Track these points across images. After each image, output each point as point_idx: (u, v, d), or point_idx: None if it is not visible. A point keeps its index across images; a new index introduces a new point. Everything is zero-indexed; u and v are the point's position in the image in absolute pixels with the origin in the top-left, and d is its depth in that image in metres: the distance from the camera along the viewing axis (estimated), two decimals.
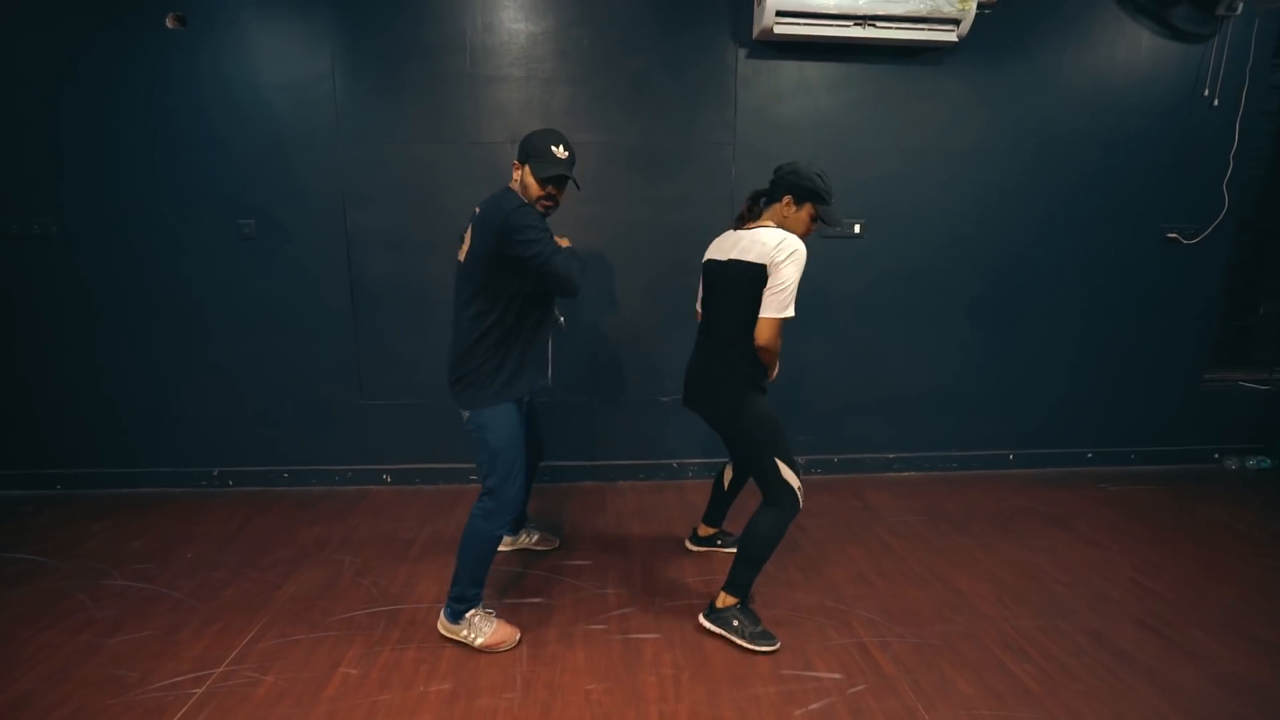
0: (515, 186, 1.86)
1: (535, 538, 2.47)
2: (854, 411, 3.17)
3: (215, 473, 3.03)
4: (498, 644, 1.87)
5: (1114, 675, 1.79)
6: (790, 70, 2.85)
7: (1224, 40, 2.92)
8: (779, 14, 2.62)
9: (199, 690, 1.71)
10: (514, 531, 2.45)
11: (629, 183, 2.88)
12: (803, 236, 1.83)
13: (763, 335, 1.77)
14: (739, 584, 1.93)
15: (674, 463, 3.14)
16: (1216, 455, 3.43)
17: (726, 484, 2.34)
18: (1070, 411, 3.30)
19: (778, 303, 1.74)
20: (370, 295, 2.90)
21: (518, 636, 1.90)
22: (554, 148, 1.82)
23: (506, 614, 2.02)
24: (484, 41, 2.74)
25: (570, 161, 1.85)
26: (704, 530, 2.45)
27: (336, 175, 2.80)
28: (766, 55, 2.82)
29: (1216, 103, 2.98)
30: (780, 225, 1.87)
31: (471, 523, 1.84)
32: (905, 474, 3.26)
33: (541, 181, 1.81)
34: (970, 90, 2.91)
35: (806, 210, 1.87)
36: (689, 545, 2.47)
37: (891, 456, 3.26)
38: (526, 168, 1.82)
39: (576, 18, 2.75)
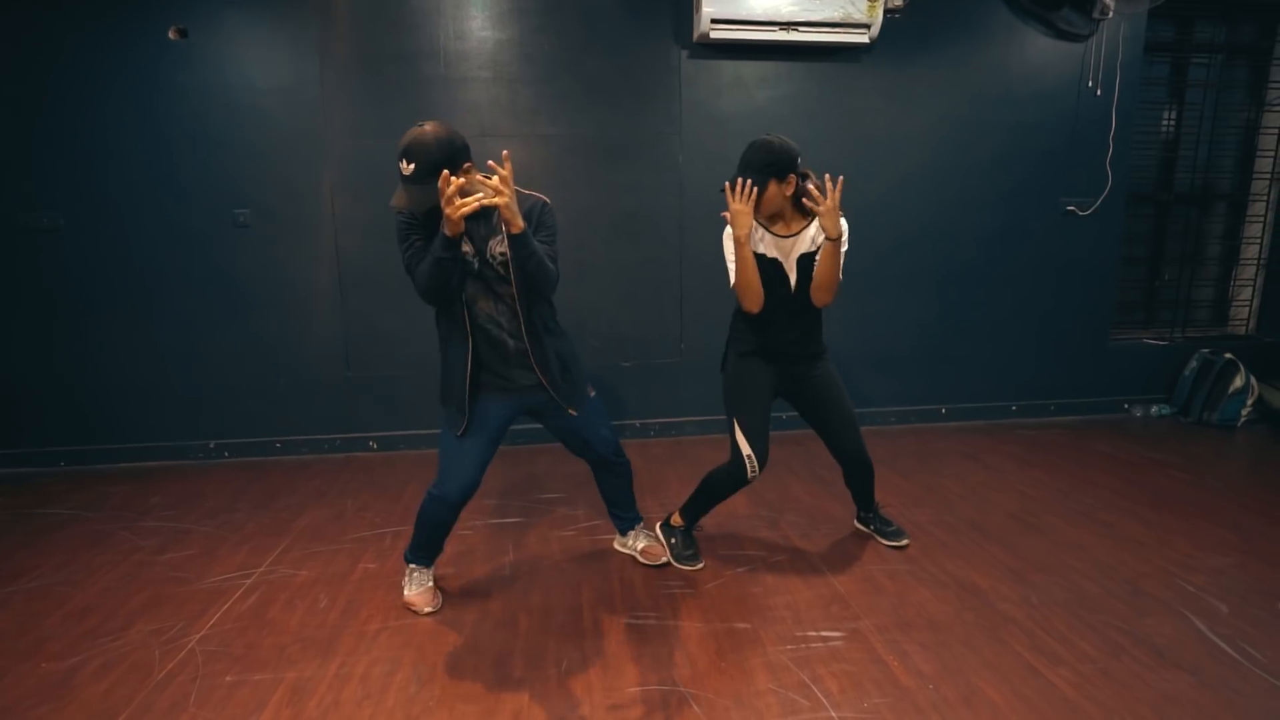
0: None
1: (641, 545, 2.49)
2: None
3: (212, 445, 3.66)
4: (411, 603, 2.18)
5: (976, 545, 2.54)
6: (727, 69, 3.61)
7: (1101, 39, 3.77)
8: (713, 21, 3.38)
9: (249, 581, 2.37)
10: (622, 532, 2.54)
11: (587, 171, 3.61)
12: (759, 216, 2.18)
13: None
14: (688, 511, 2.46)
15: (637, 422, 3.86)
16: (1125, 405, 4.25)
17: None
18: (994, 369, 4.10)
19: None
20: (356, 276, 3.57)
21: (430, 608, 2.16)
22: (400, 163, 1.82)
23: (489, 533, 2.70)
24: (456, 48, 3.45)
25: (420, 172, 1.79)
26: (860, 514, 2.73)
27: (324, 168, 3.48)
28: (706, 56, 3.58)
29: (1099, 93, 3.82)
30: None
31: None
32: None
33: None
34: (885, 84, 3.70)
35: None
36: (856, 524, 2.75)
37: None
38: None
39: (538, 26, 3.48)
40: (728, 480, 2.33)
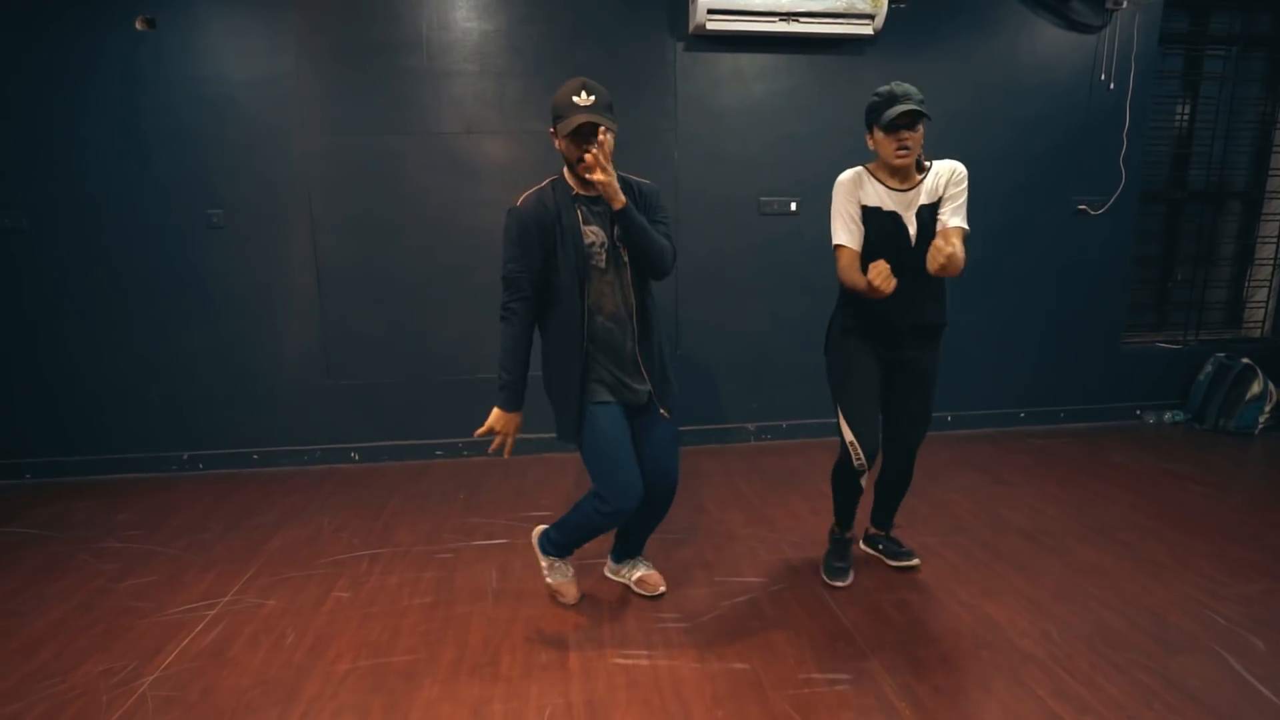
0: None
1: (637, 575, 2.30)
2: (798, 380, 3.76)
3: (185, 456, 3.49)
4: (559, 591, 2.21)
5: (989, 569, 2.38)
6: (725, 61, 3.44)
7: (1115, 30, 3.59)
8: (710, 11, 3.20)
9: (212, 612, 2.20)
10: (618, 559, 2.35)
11: None
12: (892, 161, 2.05)
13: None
14: (838, 517, 2.33)
15: None
16: (1138, 412, 4.10)
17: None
18: (1001, 374, 3.94)
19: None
20: (336, 279, 3.40)
21: (575, 599, 2.20)
22: (574, 97, 1.82)
23: (471, 557, 2.54)
24: (439, 39, 3.27)
25: (599, 105, 1.82)
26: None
27: (302, 166, 3.30)
28: (702, 48, 3.40)
29: (1112, 86, 3.65)
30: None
31: (585, 499, 2.06)
32: None
33: (566, 142, 1.86)
34: (889, 78, 3.45)
35: (876, 135, 2.09)
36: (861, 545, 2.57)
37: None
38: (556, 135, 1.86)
39: (526, 16, 3.29)
40: (843, 475, 2.22)
